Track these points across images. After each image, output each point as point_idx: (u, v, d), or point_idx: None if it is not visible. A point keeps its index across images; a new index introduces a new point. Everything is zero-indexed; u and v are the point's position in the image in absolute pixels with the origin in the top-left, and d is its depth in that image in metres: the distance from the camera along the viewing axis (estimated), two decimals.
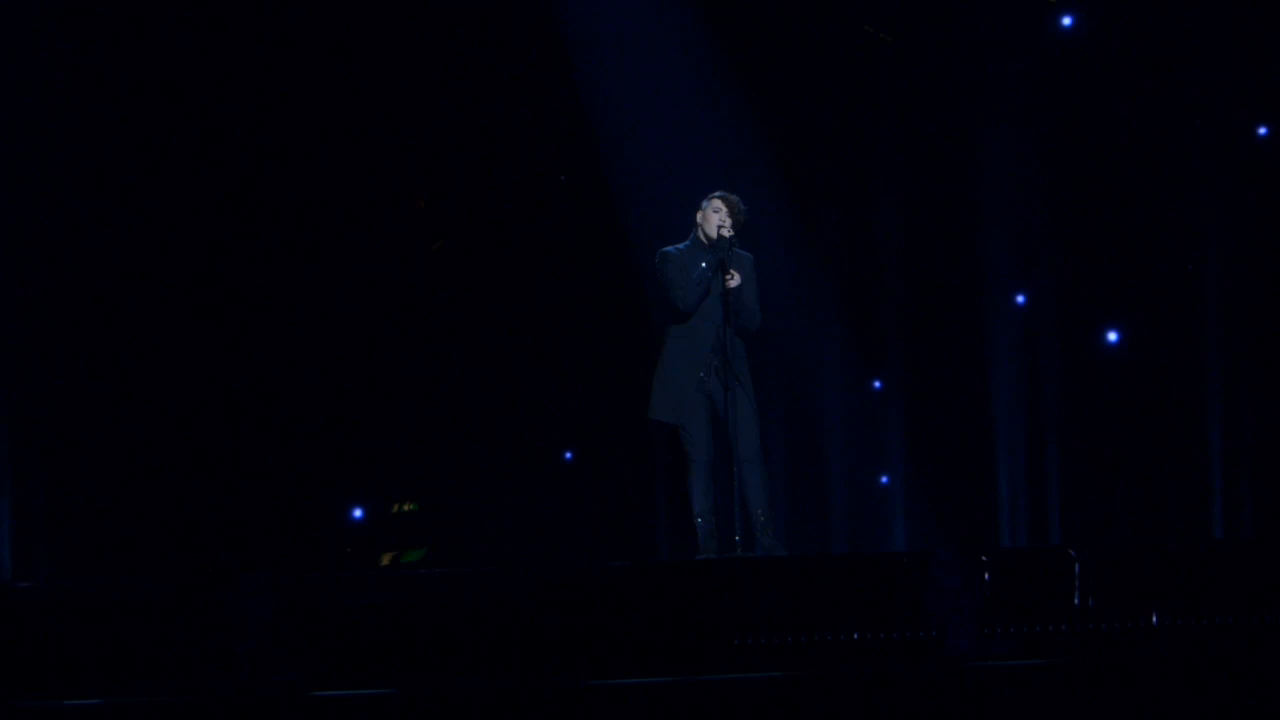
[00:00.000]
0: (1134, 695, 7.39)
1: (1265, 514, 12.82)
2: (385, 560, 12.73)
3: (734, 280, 9.87)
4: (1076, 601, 8.50)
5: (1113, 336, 13.22)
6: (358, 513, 12.77)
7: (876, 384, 13.43)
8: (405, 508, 12.78)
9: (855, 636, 8.32)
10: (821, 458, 13.25)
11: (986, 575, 8.42)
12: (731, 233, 9.95)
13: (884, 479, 13.35)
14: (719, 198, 10.09)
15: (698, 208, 10.11)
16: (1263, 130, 12.91)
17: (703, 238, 10.05)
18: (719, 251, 9.90)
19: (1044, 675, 7.59)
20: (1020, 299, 13.27)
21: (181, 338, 12.35)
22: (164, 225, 12.36)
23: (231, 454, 12.37)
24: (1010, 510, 13.26)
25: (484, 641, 8.17)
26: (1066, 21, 13.12)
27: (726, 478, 9.85)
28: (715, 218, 10.04)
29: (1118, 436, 13.25)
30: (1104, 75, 12.93)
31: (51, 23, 12.00)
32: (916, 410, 13.37)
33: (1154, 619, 8.54)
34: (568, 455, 13.22)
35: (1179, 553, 9.00)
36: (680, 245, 10.10)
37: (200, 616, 8.02)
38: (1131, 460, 13.22)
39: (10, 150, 11.94)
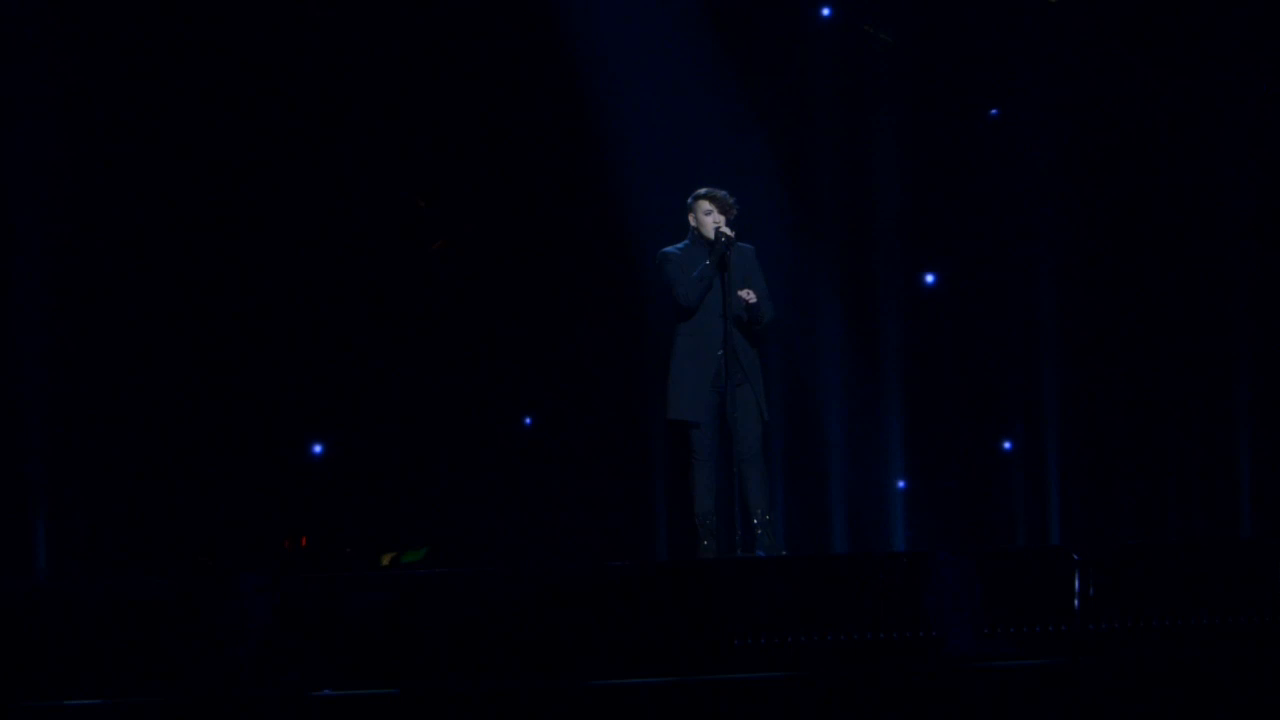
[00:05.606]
0: (1134, 695, 7.39)
1: (1265, 513, 12.84)
2: (385, 560, 12.74)
3: (751, 296, 9.89)
4: (1076, 602, 8.50)
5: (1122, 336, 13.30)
6: (317, 449, 12.77)
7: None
8: (412, 558, 12.78)
9: (855, 636, 8.32)
10: (822, 458, 13.25)
11: (986, 575, 8.43)
12: (731, 231, 9.97)
13: (900, 484, 13.35)
14: (705, 197, 10.11)
15: (686, 208, 10.14)
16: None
17: (700, 237, 10.07)
18: (720, 249, 9.90)
19: (1044, 675, 7.59)
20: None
21: (172, 335, 12.35)
22: (161, 227, 12.36)
23: (223, 451, 12.38)
24: (1012, 510, 13.28)
25: (484, 641, 8.17)
26: (825, 12, 13.26)
27: (728, 476, 9.85)
28: (708, 219, 10.06)
29: (1119, 434, 13.29)
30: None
31: (53, 22, 12.01)
32: (918, 409, 13.38)
33: (1154, 619, 8.54)
34: (526, 420, 13.18)
35: (1179, 553, 9.00)
36: (679, 245, 10.12)
37: (200, 616, 8.02)
38: (1132, 459, 13.25)
39: (10, 151, 11.95)
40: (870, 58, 13.38)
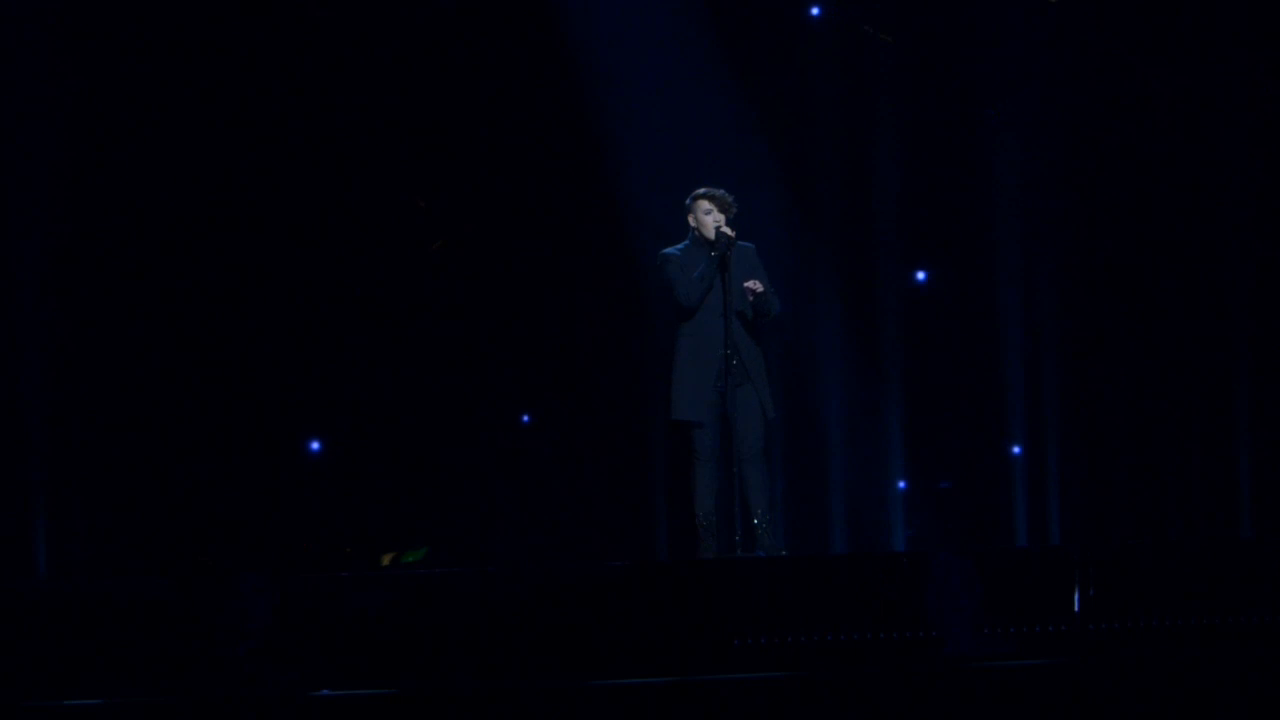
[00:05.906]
0: (1134, 695, 7.39)
1: (1265, 513, 12.84)
2: (385, 560, 12.74)
3: (758, 286, 9.88)
4: (1076, 602, 8.51)
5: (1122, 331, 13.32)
6: (315, 445, 12.78)
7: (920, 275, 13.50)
8: (412, 558, 12.78)
9: (855, 636, 8.32)
10: (822, 457, 13.25)
11: (986, 575, 8.43)
12: (731, 230, 9.96)
13: (901, 484, 13.34)
14: (704, 196, 10.09)
15: (685, 209, 10.13)
16: None
17: (700, 237, 10.06)
18: (720, 248, 9.90)
19: (1044, 675, 7.60)
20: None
21: (172, 334, 12.35)
22: (161, 227, 12.36)
23: (223, 450, 12.38)
24: (1012, 510, 13.29)
25: (484, 641, 8.17)
26: (815, 11, 13.29)
27: (728, 476, 9.85)
28: (708, 219, 10.05)
29: (1119, 435, 13.29)
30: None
31: (53, 22, 12.01)
32: (918, 409, 13.38)
33: (1154, 619, 8.55)
34: (524, 418, 13.17)
35: (1179, 553, 9.01)
36: (679, 246, 10.12)
37: (200, 616, 8.02)
38: (1132, 459, 13.26)
39: (10, 150, 11.95)
40: (869, 57, 13.39)
